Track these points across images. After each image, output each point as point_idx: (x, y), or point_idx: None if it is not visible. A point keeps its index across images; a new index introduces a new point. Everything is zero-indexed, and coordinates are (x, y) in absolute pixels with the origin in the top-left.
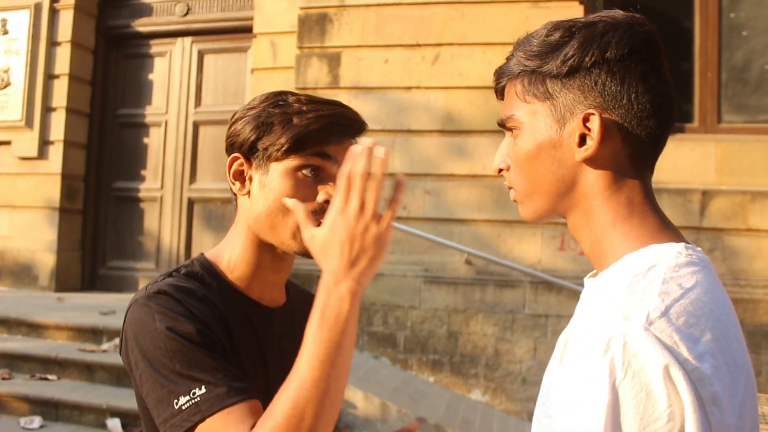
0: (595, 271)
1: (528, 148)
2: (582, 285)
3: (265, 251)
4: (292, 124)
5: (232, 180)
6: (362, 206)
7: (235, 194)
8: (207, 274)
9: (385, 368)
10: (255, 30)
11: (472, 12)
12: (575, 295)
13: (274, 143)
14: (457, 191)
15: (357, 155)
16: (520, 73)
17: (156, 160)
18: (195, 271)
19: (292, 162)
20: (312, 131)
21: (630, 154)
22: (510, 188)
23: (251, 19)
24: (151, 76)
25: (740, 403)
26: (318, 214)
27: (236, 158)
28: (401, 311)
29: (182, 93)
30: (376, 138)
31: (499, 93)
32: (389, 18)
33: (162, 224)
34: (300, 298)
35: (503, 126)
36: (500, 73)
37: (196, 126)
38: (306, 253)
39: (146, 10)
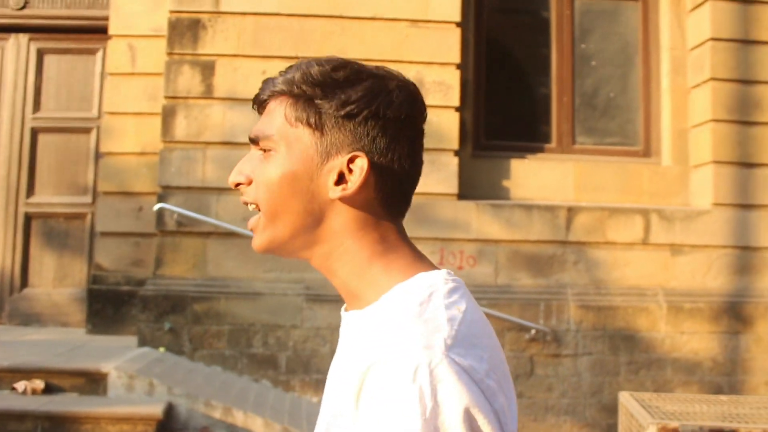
0: (346, 305)
1: (282, 172)
2: None
3: None
4: None
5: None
6: None
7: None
8: None
9: (269, 392)
10: (111, 31)
11: (352, 27)
12: None
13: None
14: None
15: None
16: (296, 94)
17: None
18: None
19: None
20: None
21: (382, 201)
22: (251, 204)
23: (102, 18)
24: None
25: (515, 410)
26: None
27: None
28: (282, 331)
29: (17, 96)
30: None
31: (259, 105)
32: (267, 28)
33: None
34: None
35: (254, 142)
36: (269, 85)
37: (34, 133)
38: None
39: None
